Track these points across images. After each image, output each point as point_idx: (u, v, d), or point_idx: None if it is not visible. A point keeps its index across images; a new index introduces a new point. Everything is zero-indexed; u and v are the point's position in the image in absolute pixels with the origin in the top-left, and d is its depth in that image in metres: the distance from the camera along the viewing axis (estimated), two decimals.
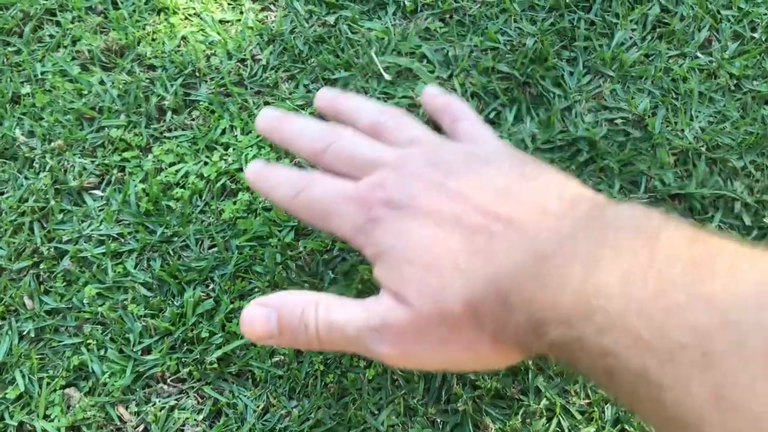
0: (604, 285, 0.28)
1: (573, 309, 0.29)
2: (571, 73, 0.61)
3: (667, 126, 0.58)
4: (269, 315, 0.38)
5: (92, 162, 0.58)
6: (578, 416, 0.48)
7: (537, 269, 0.31)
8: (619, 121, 0.59)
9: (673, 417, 0.25)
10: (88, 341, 0.51)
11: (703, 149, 0.57)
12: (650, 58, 0.62)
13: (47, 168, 0.58)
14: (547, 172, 0.37)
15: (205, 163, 0.58)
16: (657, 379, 0.26)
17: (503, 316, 0.32)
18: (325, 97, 0.48)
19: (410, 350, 0.35)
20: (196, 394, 0.50)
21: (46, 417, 0.50)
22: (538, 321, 0.30)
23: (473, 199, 0.36)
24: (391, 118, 0.45)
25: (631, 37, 0.63)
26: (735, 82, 0.61)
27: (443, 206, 0.36)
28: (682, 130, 0.58)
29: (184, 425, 0.49)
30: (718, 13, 0.64)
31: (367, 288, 0.51)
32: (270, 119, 0.46)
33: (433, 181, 0.37)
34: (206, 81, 0.62)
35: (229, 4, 0.66)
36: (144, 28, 0.64)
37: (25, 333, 0.52)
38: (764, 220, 0.54)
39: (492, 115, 0.59)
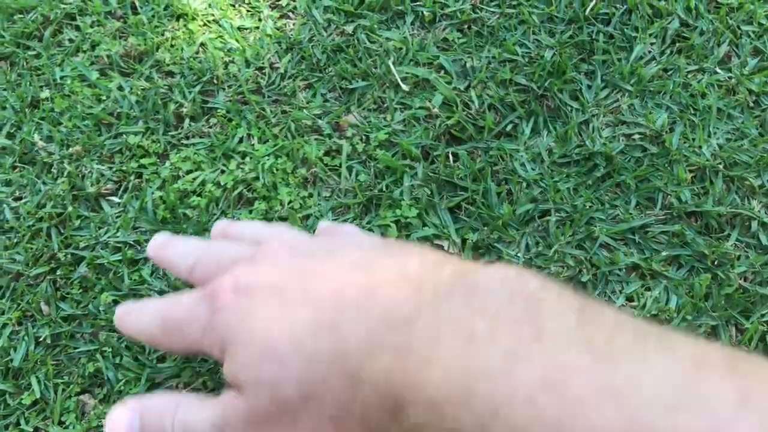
0: (484, 363, 0.24)
1: (443, 391, 0.25)
2: (589, 87, 0.61)
3: (685, 142, 0.58)
4: (132, 420, 0.36)
5: (110, 168, 0.58)
6: None
7: (394, 339, 0.27)
8: (636, 136, 0.58)
9: None
10: (103, 348, 0.52)
11: (721, 167, 0.57)
12: (669, 73, 0.62)
13: (65, 173, 0.58)
14: (410, 247, 0.35)
15: (222, 172, 0.58)
16: None
17: (349, 397, 0.28)
18: (219, 226, 0.48)
19: None
20: None
21: (60, 423, 0.50)
22: (397, 400, 0.26)
23: (324, 273, 0.32)
24: (271, 229, 0.44)
25: (650, 51, 0.63)
26: (754, 98, 0.60)
27: (290, 283, 0.33)
28: (700, 147, 0.58)
29: None
30: (738, 28, 0.64)
31: None
32: (156, 245, 0.45)
33: (283, 262, 0.35)
34: (224, 89, 0.62)
35: (247, 11, 0.66)
36: (163, 34, 0.64)
37: (41, 339, 0.52)
38: None
39: (509, 128, 0.59)
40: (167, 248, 0.45)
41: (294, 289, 0.32)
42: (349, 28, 0.64)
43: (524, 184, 0.56)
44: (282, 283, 0.33)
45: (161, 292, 0.53)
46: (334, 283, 0.31)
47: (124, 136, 0.60)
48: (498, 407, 0.23)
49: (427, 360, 0.25)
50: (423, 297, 0.28)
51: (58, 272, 0.55)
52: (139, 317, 0.41)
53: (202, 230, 0.55)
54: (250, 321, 0.32)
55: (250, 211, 0.56)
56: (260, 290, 0.33)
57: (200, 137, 0.60)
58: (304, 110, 0.61)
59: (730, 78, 0.61)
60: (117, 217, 0.57)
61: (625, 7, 0.65)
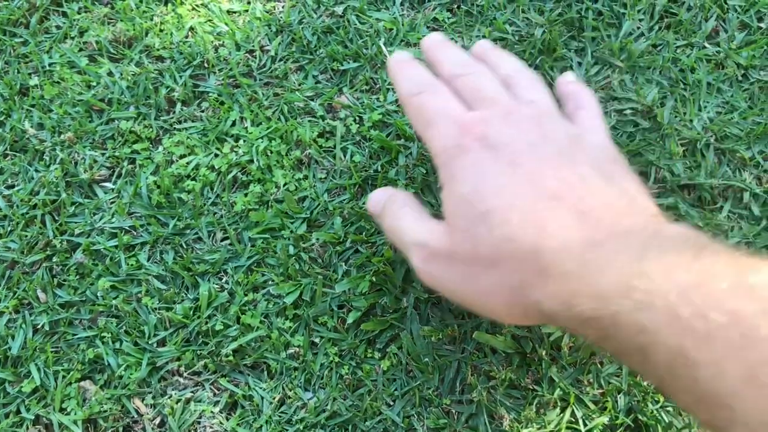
0: (647, 270, 0.30)
1: (612, 287, 0.30)
2: (580, 64, 0.61)
3: (676, 116, 0.59)
4: (380, 200, 0.46)
5: (102, 154, 0.58)
6: (592, 406, 0.49)
7: (584, 253, 0.32)
8: (628, 111, 0.59)
9: (707, 393, 0.27)
10: (102, 334, 0.52)
11: (712, 140, 0.57)
12: (658, 49, 0.62)
13: (58, 160, 0.58)
14: (630, 180, 0.39)
15: (216, 155, 0.58)
16: (693, 356, 0.27)
17: (533, 281, 0.34)
18: (481, 45, 0.51)
19: (436, 273, 0.39)
20: (212, 387, 0.51)
21: (62, 410, 0.50)
22: (571, 293, 0.32)
23: (555, 168, 0.37)
24: (524, 77, 0.46)
25: (638, 28, 0.63)
26: (742, 72, 0.61)
27: (526, 163, 0.37)
28: (691, 121, 0.58)
29: (200, 417, 0.49)
30: (725, 3, 0.64)
31: (381, 280, 0.52)
32: (435, 41, 0.49)
33: (529, 140, 0.38)
34: (215, 72, 0.62)
35: None
36: (152, 19, 0.64)
37: (39, 326, 0.52)
38: None
39: None
40: (443, 50, 0.48)
41: (527, 169, 0.37)
42: (339, 9, 0.64)
43: None
44: (521, 159, 0.37)
45: (159, 277, 0.53)
46: (558, 183, 0.36)
47: (116, 121, 0.59)
48: (654, 296, 0.29)
49: (603, 269, 0.31)
50: (618, 228, 0.33)
51: (54, 259, 0.54)
52: (409, 74, 0.46)
53: (197, 214, 0.55)
54: (481, 182, 0.37)
55: (246, 195, 0.56)
56: (501, 155, 0.38)
57: (192, 121, 0.60)
58: (297, 92, 0.60)
59: (718, 52, 0.62)
60: (111, 203, 0.56)
61: None
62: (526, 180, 0.36)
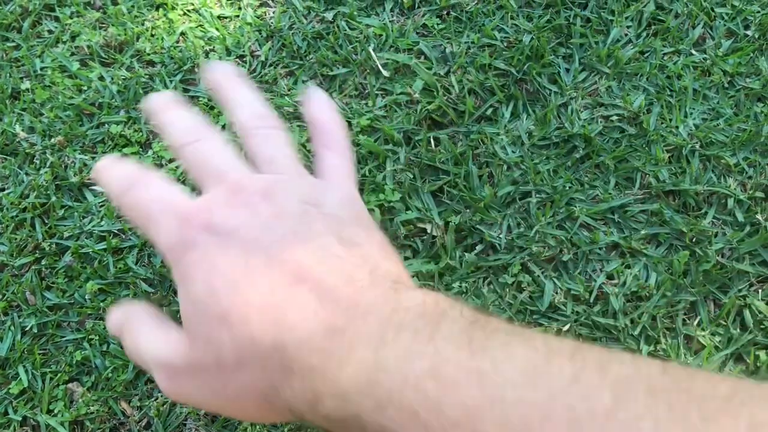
0: (384, 362, 0.29)
1: (352, 383, 0.29)
2: (567, 70, 0.62)
3: (662, 123, 0.59)
4: (120, 321, 0.39)
5: (92, 158, 0.59)
6: None
7: (326, 343, 0.31)
8: (614, 117, 0.59)
9: None
10: (90, 337, 0.52)
11: (698, 146, 0.58)
12: (645, 55, 0.63)
13: (48, 164, 0.58)
14: (373, 241, 0.36)
15: None
16: None
17: (280, 381, 0.32)
18: (217, 72, 0.45)
19: (184, 390, 0.35)
20: None
21: (49, 412, 0.50)
22: (315, 393, 0.30)
23: (292, 248, 0.34)
24: (264, 129, 0.42)
25: (626, 35, 0.64)
26: (729, 79, 0.61)
27: (259, 249, 0.34)
28: (677, 127, 0.59)
29: (186, 420, 0.50)
30: (712, 10, 0.65)
31: None
32: (159, 102, 0.44)
33: (261, 221, 0.35)
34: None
35: (227, 0, 0.66)
36: (143, 24, 0.65)
37: (27, 329, 0.53)
38: (757, 216, 0.55)
39: (489, 112, 0.60)
40: (166, 111, 0.42)
41: (259, 258, 0.34)
42: (329, 15, 0.65)
43: (505, 167, 0.57)
44: (253, 244, 0.34)
45: (146, 280, 0.54)
46: (294, 268, 0.33)
47: (107, 125, 0.60)
48: (392, 393, 0.28)
49: (345, 361, 0.30)
50: (358, 308, 0.32)
51: (43, 262, 0.55)
52: (115, 171, 0.41)
53: None
54: (215, 274, 0.34)
55: None
56: (232, 242, 0.34)
57: None
58: (286, 97, 0.61)
59: (705, 59, 0.62)
60: (101, 206, 0.57)
61: None
62: (262, 269, 0.33)
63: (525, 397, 0.25)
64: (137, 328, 0.39)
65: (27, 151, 0.59)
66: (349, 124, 0.60)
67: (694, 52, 0.63)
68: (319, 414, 0.30)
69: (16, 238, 0.55)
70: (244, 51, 0.63)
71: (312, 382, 0.30)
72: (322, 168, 0.43)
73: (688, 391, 0.24)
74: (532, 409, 0.25)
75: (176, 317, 0.47)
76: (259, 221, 0.35)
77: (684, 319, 0.52)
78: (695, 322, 0.51)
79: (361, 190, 0.57)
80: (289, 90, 0.62)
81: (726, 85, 0.61)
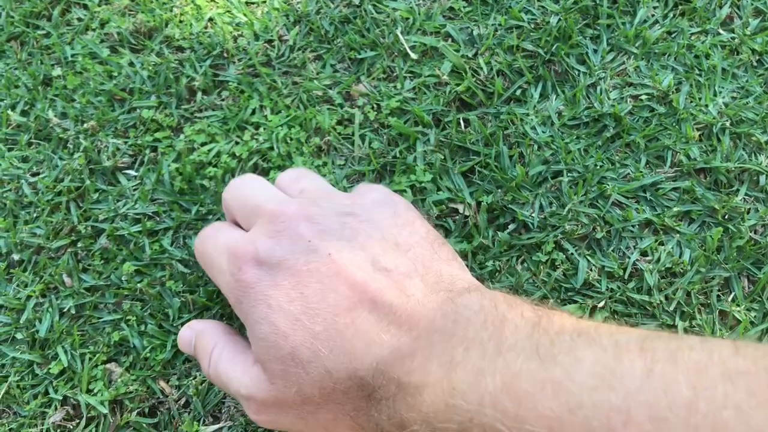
0: (458, 383, 0.29)
1: (432, 410, 0.30)
2: (595, 51, 0.62)
3: (691, 101, 0.59)
4: (191, 340, 0.44)
5: (125, 142, 0.59)
6: None
7: (398, 370, 0.32)
8: (643, 97, 0.59)
9: None
10: (127, 317, 0.52)
11: (728, 124, 0.58)
12: (673, 35, 0.63)
13: (81, 148, 0.59)
14: (417, 236, 0.38)
15: (237, 143, 0.58)
16: None
17: (366, 407, 0.33)
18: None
19: (274, 420, 0.37)
20: None
21: (89, 391, 0.51)
22: (401, 418, 0.31)
23: (342, 270, 0.35)
24: (294, 172, 0.47)
25: (653, 15, 0.64)
26: (757, 57, 0.61)
27: (311, 277, 0.35)
28: (706, 106, 0.59)
29: (225, 398, 0.50)
30: None
31: None
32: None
33: (303, 245, 0.37)
34: (234, 62, 0.63)
35: None
36: (171, 10, 0.65)
37: (65, 310, 0.53)
38: None
39: (518, 93, 0.60)
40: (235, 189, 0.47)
41: (314, 285, 0.35)
42: None
43: (535, 147, 0.57)
44: (304, 273, 0.36)
45: (182, 261, 0.54)
46: (350, 284, 0.35)
47: (138, 110, 0.60)
48: (472, 415, 0.28)
49: (421, 387, 0.31)
50: (420, 326, 0.33)
51: (79, 244, 0.55)
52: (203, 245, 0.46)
53: (219, 200, 0.56)
54: (273, 312, 0.35)
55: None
56: (281, 273, 0.36)
57: (213, 110, 0.60)
58: (315, 81, 0.61)
59: (733, 38, 0.62)
60: (134, 189, 0.57)
61: None
62: (318, 297, 0.35)
63: (602, 400, 0.25)
64: (218, 355, 0.41)
65: (60, 136, 0.59)
66: (378, 106, 0.60)
67: (721, 31, 0.63)
68: None
69: (52, 222, 0.56)
70: (272, 36, 0.64)
71: (396, 408, 0.32)
72: (354, 190, 0.45)
73: (766, 370, 0.23)
74: (611, 412, 0.25)
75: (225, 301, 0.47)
76: (302, 245, 0.37)
77: (719, 295, 0.52)
78: (730, 298, 0.51)
79: (392, 172, 0.57)
80: (317, 74, 0.62)
81: (755, 64, 0.61)
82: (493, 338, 0.30)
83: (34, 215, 0.56)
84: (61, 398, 0.50)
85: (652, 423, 0.24)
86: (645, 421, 0.24)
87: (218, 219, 0.55)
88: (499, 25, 0.63)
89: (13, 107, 0.61)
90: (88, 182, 0.57)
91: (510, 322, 0.31)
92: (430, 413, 0.30)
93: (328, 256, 0.36)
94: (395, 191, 0.55)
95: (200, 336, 0.43)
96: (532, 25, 0.63)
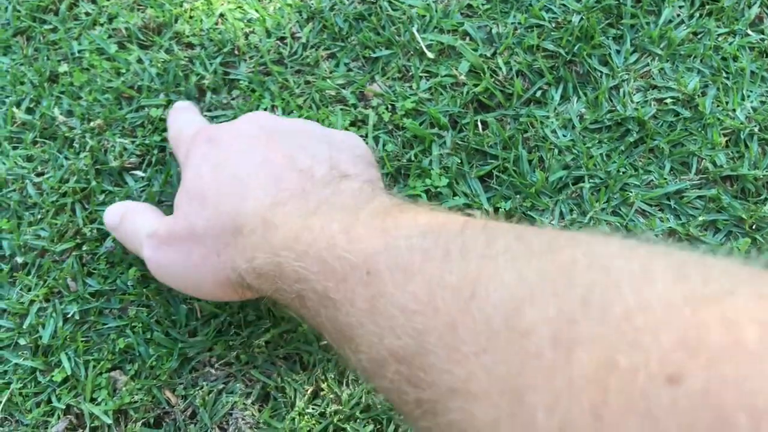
0: (310, 224, 0.35)
1: (280, 241, 0.35)
2: (618, 52, 0.60)
3: (718, 105, 0.57)
4: (118, 211, 0.49)
5: (132, 142, 0.57)
6: None
7: (269, 212, 0.38)
8: (668, 100, 0.57)
9: (343, 329, 0.31)
10: (133, 324, 0.51)
11: (756, 129, 0.56)
12: (699, 36, 0.61)
13: (87, 148, 0.57)
14: (350, 147, 0.45)
15: None
16: (333, 297, 0.32)
17: (230, 243, 0.39)
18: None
19: (162, 259, 0.44)
20: (243, 378, 0.50)
21: (93, 400, 0.49)
22: (253, 248, 0.37)
23: (265, 150, 0.43)
24: None
25: (678, 15, 0.62)
26: None
27: (241, 143, 0.44)
28: (734, 110, 0.57)
29: (232, 409, 0.49)
30: None
31: None
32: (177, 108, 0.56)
33: (245, 133, 0.45)
34: (245, 60, 0.61)
35: None
36: (181, 6, 0.63)
37: (69, 315, 0.52)
38: None
39: (538, 95, 0.58)
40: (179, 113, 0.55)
41: (234, 156, 0.43)
42: None
43: (556, 151, 0.55)
44: (235, 143, 0.44)
45: None
46: (262, 158, 0.42)
47: (146, 109, 0.58)
48: (310, 246, 0.34)
49: (280, 226, 0.37)
50: (303, 190, 0.39)
51: (84, 248, 0.54)
52: (174, 120, 0.54)
53: None
54: (200, 168, 0.43)
55: None
56: (220, 145, 0.44)
57: (223, 109, 0.59)
58: (328, 80, 0.59)
59: (762, 40, 0.60)
60: (142, 191, 0.56)
61: None
62: (237, 158, 0.42)
63: (414, 244, 0.30)
64: (140, 212, 0.48)
65: (66, 135, 0.58)
66: (393, 107, 0.58)
67: (750, 32, 0.61)
68: (252, 270, 0.37)
69: (56, 224, 0.54)
70: (284, 33, 0.62)
71: (251, 241, 0.37)
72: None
73: (548, 234, 0.29)
74: (416, 253, 0.29)
75: None
76: (246, 133, 0.45)
77: None
78: None
79: (407, 176, 0.55)
80: (330, 73, 0.60)
81: None
82: (357, 205, 0.36)
83: (39, 217, 0.55)
84: (64, 407, 0.49)
85: (444, 262, 0.29)
86: (439, 259, 0.29)
87: None
88: (519, 23, 0.61)
89: (18, 104, 0.59)
90: (94, 183, 0.55)
91: (377, 199, 0.36)
92: (277, 244, 0.35)
93: (256, 141, 0.44)
94: (409, 196, 0.53)
95: (130, 205, 0.50)
96: (553, 25, 0.61)
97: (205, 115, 0.58)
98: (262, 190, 0.40)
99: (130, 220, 0.48)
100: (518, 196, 0.53)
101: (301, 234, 0.35)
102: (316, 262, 0.33)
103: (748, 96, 0.57)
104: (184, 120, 0.52)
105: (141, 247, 0.45)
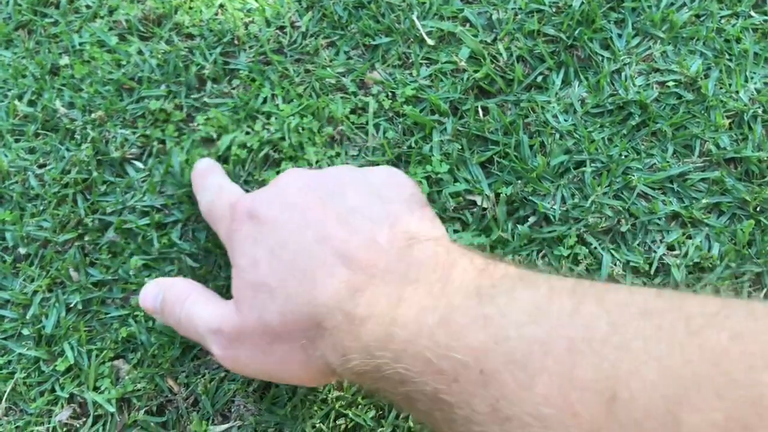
0: (401, 317, 0.32)
1: (372, 338, 0.32)
2: (620, 35, 0.59)
3: (721, 88, 0.56)
4: (158, 295, 0.45)
5: (133, 133, 0.57)
6: None
7: (349, 303, 0.34)
8: (671, 83, 0.57)
9: None
10: (135, 313, 0.51)
11: (760, 111, 0.55)
12: (701, 19, 0.60)
13: (89, 139, 0.57)
14: (399, 196, 0.41)
15: (247, 133, 0.57)
16: (447, 399, 0.28)
17: (317, 339, 0.36)
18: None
19: (237, 357, 0.39)
20: None
21: (96, 389, 0.49)
22: (344, 348, 0.34)
23: (317, 221, 0.38)
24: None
25: None
26: None
27: (291, 220, 0.39)
28: (737, 92, 0.56)
29: (234, 396, 0.49)
30: None
31: None
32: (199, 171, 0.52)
33: (289, 203, 0.40)
34: (245, 49, 0.61)
35: None
36: None
37: (72, 305, 0.52)
38: None
39: (539, 80, 0.58)
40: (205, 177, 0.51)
41: (288, 236, 0.38)
42: None
43: (557, 136, 0.55)
44: (282, 224, 0.39)
45: (191, 255, 0.53)
46: (319, 234, 0.38)
47: (147, 100, 0.59)
48: (408, 345, 0.30)
49: (366, 319, 0.33)
50: (378, 267, 0.35)
51: (86, 238, 0.54)
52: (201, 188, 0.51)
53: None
54: (254, 255, 0.39)
55: (277, 172, 0.55)
56: (265, 225, 0.40)
57: (223, 99, 0.59)
58: (328, 68, 0.59)
59: (765, 21, 0.59)
60: (143, 181, 0.56)
61: None
62: (294, 241, 0.38)
63: (527, 334, 0.27)
64: (193, 300, 0.43)
65: (67, 126, 0.58)
66: (393, 94, 0.58)
67: (753, 14, 0.60)
68: (349, 369, 0.34)
69: (58, 215, 0.54)
70: (283, 22, 0.62)
71: (340, 339, 0.34)
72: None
73: (678, 309, 0.26)
74: (534, 345, 0.26)
75: (224, 293, 0.46)
76: (288, 205, 0.41)
77: (749, 291, 0.49)
78: (762, 294, 0.49)
79: (408, 162, 0.55)
80: (330, 61, 0.60)
81: None
82: (440, 280, 0.32)
83: (41, 208, 0.55)
84: (67, 396, 0.49)
85: (570, 354, 0.25)
86: (563, 352, 0.26)
87: None
88: (520, 8, 0.61)
89: (20, 97, 0.60)
90: (95, 174, 0.56)
91: (459, 266, 0.33)
92: (370, 342, 0.32)
93: (313, 202, 0.40)
94: None
95: (171, 288, 0.45)
96: (554, 9, 0.60)
97: (205, 102, 0.58)
98: (331, 276, 0.36)
99: (177, 307, 0.43)
100: (519, 181, 0.53)
101: (393, 331, 0.31)
102: (419, 362, 0.30)
103: (752, 77, 0.57)
104: (211, 189, 0.49)
105: (203, 340, 0.42)
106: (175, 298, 0.44)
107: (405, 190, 0.42)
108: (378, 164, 0.55)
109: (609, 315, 0.26)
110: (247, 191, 0.53)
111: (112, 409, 0.48)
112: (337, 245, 0.37)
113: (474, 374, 0.27)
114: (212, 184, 0.49)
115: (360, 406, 0.48)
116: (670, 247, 0.51)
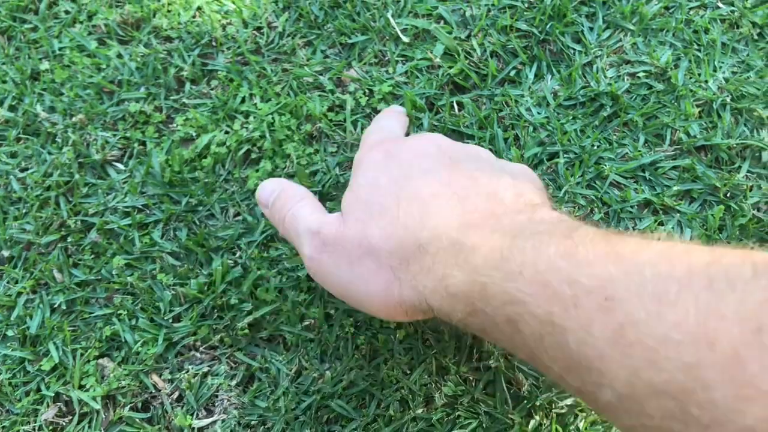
0: (518, 244, 0.32)
1: (482, 260, 0.33)
2: (591, 29, 0.60)
3: (691, 78, 0.58)
4: (274, 191, 0.46)
5: (114, 135, 0.58)
6: None
7: (460, 233, 0.35)
8: (641, 74, 0.58)
9: (575, 359, 0.28)
10: (119, 311, 0.52)
11: (728, 99, 0.56)
12: (670, 10, 0.61)
13: (70, 142, 0.58)
14: (522, 179, 0.42)
15: (226, 132, 0.57)
16: (561, 323, 0.29)
17: (411, 259, 0.36)
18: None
19: (324, 262, 0.41)
20: (228, 360, 0.51)
21: (81, 387, 0.50)
22: (444, 266, 0.34)
23: (445, 171, 0.40)
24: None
25: None
26: (758, 31, 0.60)
27: (416, 168, 0.41)
28: (706, 81, 0.57)
29: (218, 391, 0.49)
30: None
31: None
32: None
33: (423, 153, 0.42)
34: (223, 51, 0.62)
35: None
36: (159, 0, 0.64)
37: (56, 306, 0.53)
38: None
39: (513, 74, 0.59)
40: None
41: (416, 174, 0.40)
42: None
43: (531, 129, 0.56)
44: (412, 164, 0.41)
45: (172, 254, 0.53)
46: (444, 180, 0.39)
47: (127, 102, 0.59)
48: (524, 267, 0.31)
49: (480, 244, 0.34)
50: (495, 216, 0.36)
51: (69, 239, 0.55)
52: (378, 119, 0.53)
53: (209, 191, 0.55)
54: (378, 178, 0.41)
55: (257, 170, 0.56)
56: (401, 160, 0.42)
57: (202, 99, 0.59)
58: (305, 67, 0.60)
59: (732, 12, 0.61)
60: (124, 182, 0.56)
61: None
62: (419, 176, 0.40)
63: (663, 272, 0.27)
64: (302, 204, 0.45)
65: (49, 130, 0.59)
66: (370, 92, 0.59)
67: (721, 5, 0.61)
68: (443, 287, 0.34)
69: (41, 217, 0.55)
70: (261, 23, 0.63)
71: (441, 258, 0.35)
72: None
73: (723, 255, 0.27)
74: (670, 282, 0.26)
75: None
76: (423, 151, 0.42)
77: None
78: None
79: None
80: (307, 60, 0.61)
81: (755, 37, 0.59)
82: (565, 230, 0.32)
83: (24, 211, 0.56)
84: (53, 395, 0.50)
85: (709, 291, 0.26)
86: (702, 289, 0.26)
87: (209, 211, 0.55)
88: (492, 5, 0.62)
89: (0, 103, 0.60)
90: (77, 176, 0.56)
91: (584, 227, 0.33)
92: (480, 263, 0.33)
93: (447, 157, 0.42)
94: None
95: (289, 189, 0.46)
96: (526, 5, 0.62)
97: (184, 103, 0.59)
98: (448, 209, 0.37)
99: (288, 204, 0.45)
100: None
101: (509, 254, 0.32)
102: (534, 284, 0.30)
103: (720, 67, 0.58)
104: (380, 126, 0.51)
105: (299, 240, 0.43)
106: (288, 197, 0.45)
107: (537, 183, 0.43)
108: None
109: (754, 266, 0.25)
110: (227, 190, 0.53)
111: (97, 407, 0.49)
112: (458, 191, 0.38)
113: (597, 300, 0.28)
114: (387, 125, 0.51)
115: (342, 397, 0.48)
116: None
